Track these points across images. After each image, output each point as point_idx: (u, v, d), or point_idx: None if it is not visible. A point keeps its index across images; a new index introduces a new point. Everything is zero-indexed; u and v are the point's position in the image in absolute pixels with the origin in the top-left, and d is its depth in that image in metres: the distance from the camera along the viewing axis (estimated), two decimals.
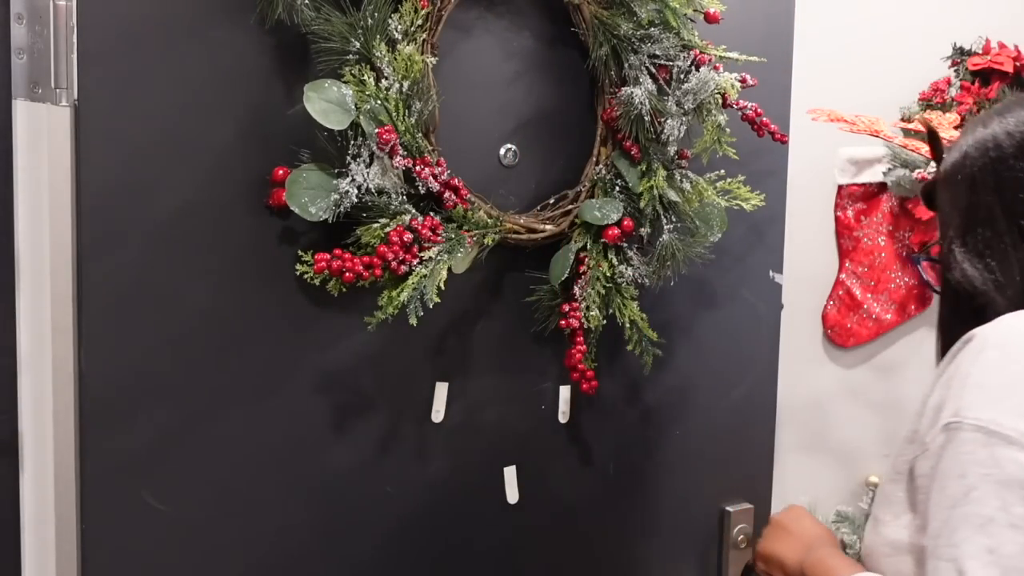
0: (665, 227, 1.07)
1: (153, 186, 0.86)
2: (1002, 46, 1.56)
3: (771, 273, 1.32)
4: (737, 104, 1.09)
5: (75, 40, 0.82)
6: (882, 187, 1.58)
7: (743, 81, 1.08)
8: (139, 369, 0.87)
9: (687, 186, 1.09)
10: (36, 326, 0.86)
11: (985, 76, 1.55)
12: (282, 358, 0.94)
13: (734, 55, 1.09)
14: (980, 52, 1.56)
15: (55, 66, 0.83)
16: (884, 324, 1.59)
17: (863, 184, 1.55)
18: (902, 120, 1.58)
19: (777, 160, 1.29)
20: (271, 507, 0.95)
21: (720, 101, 1.07)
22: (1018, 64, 1.54)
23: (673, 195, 1.07)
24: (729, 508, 1.31)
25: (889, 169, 1.56)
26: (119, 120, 0.84)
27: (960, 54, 1.58)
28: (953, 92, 1.55)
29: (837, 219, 1.55)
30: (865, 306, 1.57)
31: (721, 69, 1.07)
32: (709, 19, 1.06)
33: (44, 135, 0.85)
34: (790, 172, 1.32)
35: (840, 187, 1.54)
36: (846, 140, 1.53)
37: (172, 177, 0.87)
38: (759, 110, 1.09)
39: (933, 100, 1.56)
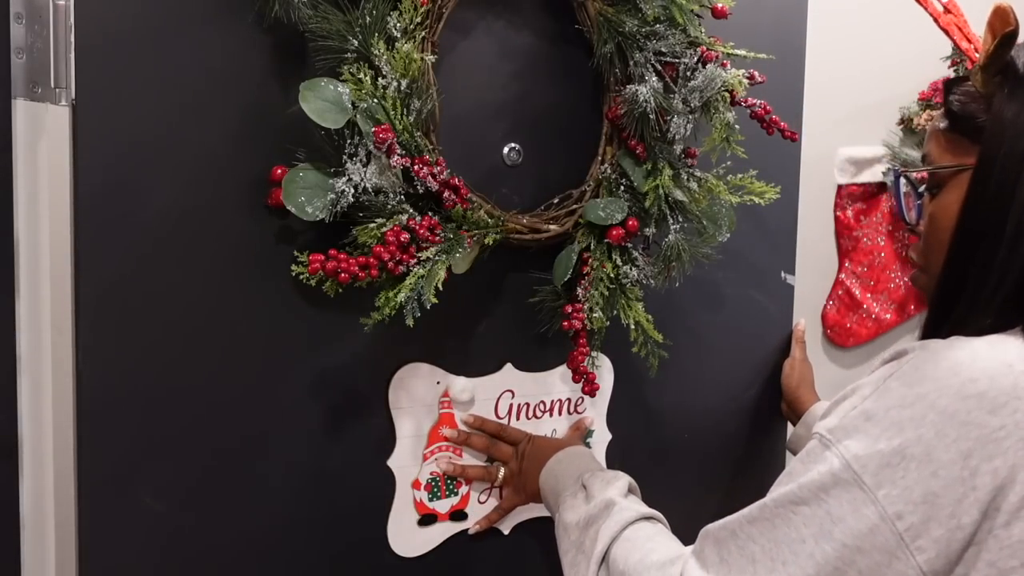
0: (671, 227, 1.05)
1: (151, 185, 0.86)
2: None
3: (783, 274, 1.30)
4: (745, 102, 1.07)
5: (73, 39, 0.82)
6: (881, 187, 1.56)
7: (751, 78, 1.06)
8: (137, 369, 0.87)
9: (694, 185, 1.07)
10: (35, 326, 0.86)
11: None
12: (280, 358, 0.94)
13: (742, 52, 1.07)
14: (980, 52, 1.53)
15: (54, 65, 0.83)
16: (884, 324, 1.58)
17: (862, 184, 1.54)
18: (901, 120, 1.56)
19: (788, 158, 1.27)
20: (269, 507, 0.95)
21: (728, 98, 1.05)
22: None
23: (680, 194, 1.05)
24: None
25: (888, 169, 1.54)
26: (118, 119, 0.84)
27: (960, 54, 1.55)
28: None
29: (837, 219, 1.54)
30: (865, 306, 1.56)
31: (729, 66, 1.05)
32: (716, 14, 1.04)
33: (43, 134, 0.85)
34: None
35: (839, 187, 1.53)
36: (846, 140, 1.51)
37: (170, 176, 0.87)
38: (768, 107, 1.07)
39: (933, 100, 1.54)
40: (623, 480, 0.88)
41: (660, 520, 0.83)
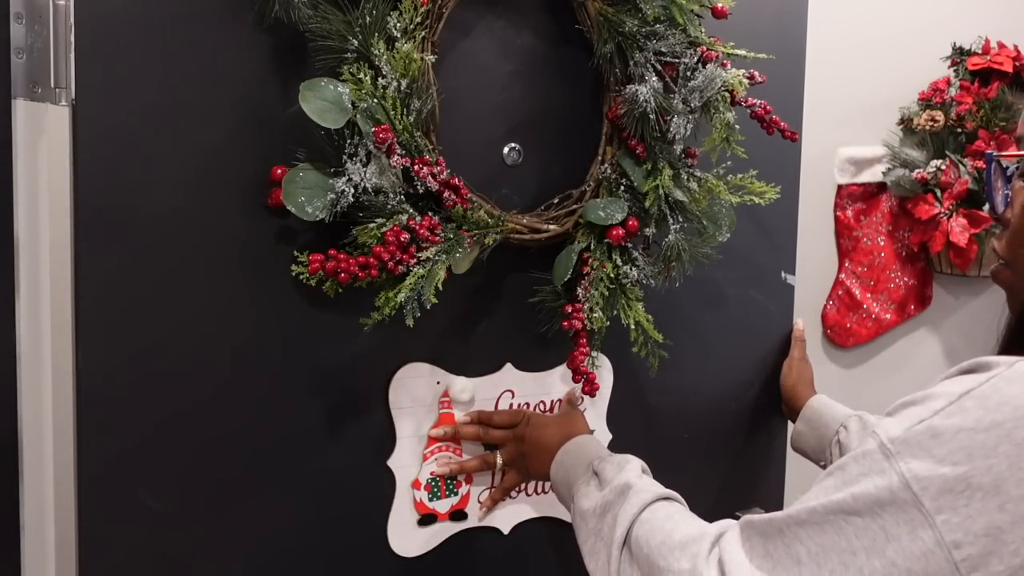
0: (671, 227, 1.05)
1: (151, 185, 0.86)
2: (1002, 46, 1.54)
3: (783, 274, 1.30)
4: (746, 101, 1.06)
5: (73, 39, 0.82)
6: (881, 187, 1.56)
7: (751, 78, 1.06)
8: (137, 369, 0.87)
9: (694, 185, 1.07)
10: (35, 325, 0.86)
11: (985, 76, 1.53)
12: (280, 358, 0.94)
13: (742, 52, 1.07)
14: (980, 52, 1.54)
15: (54, 65, 0.83)
16: (884, 324, 1.58)
17: (863, 184, 1.54)
18: (901, 120, 1.56)
19: (788, 158, 1.27)
20: (268, 507, 0.95)
21: (728, 98, 1.05)
22: (1018, 64, 1.52)
23: (680, 194, 1.05)
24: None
25: (888, 169, 1.54)
26: (117, 119, 0.84)
27: (960, 54, 1.56)
28: (953, 92, 1.53)
29: (837, 219, 1.54)
30: (865, 306, 1.56)
31: (729, 66, 1.05)
32: (717, 14, 1.04)
33: (43, 134, 0.85)
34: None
35: (839, 187, 1.53)
36: (846, 140, 1.51)
37: (170, 176, 0.87)
38: (768, 107, 1.07)
39: (932, 100, 1.54)
40: (635, 463, 0.87)
41: (677, 499, 0.82)
